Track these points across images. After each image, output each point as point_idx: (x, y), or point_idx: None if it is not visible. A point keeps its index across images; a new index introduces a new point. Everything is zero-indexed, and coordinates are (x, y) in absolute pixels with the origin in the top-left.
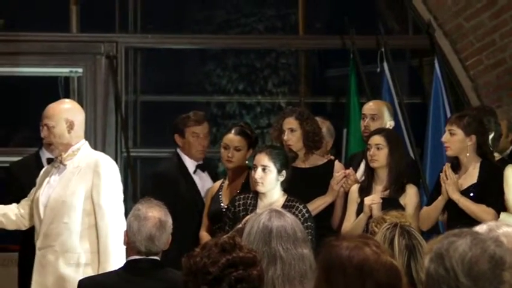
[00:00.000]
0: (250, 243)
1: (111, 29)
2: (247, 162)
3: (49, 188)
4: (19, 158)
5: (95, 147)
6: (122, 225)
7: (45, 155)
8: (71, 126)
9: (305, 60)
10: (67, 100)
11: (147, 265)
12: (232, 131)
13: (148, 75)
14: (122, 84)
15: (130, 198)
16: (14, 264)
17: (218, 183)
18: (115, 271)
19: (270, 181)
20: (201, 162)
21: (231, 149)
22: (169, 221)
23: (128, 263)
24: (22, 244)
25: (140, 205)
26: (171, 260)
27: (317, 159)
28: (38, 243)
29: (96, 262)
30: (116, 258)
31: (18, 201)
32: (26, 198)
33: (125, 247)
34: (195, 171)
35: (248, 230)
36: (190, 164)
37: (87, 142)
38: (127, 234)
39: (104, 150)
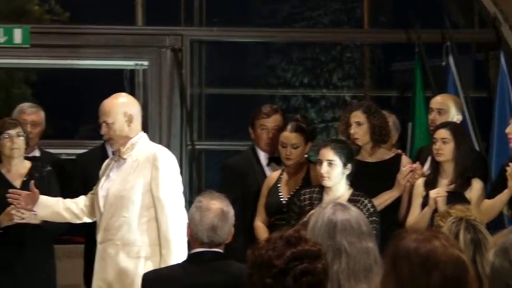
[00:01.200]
0: (315, 237)
1: (177, 22)
2: (306, 156)
3: (108, 182)
4: (85, 150)
5: (159, 140)
6: (182, 217)
7: (110, 148)
8: (130, 119)
9: (370, 54)
10: (122, 94)
11: (210, 257)
12: (288, 128)
13: (213, 68)
14: (187, 77)
15: (195, 191)
16: (79, 256)
17: (276, 174)
18: (179, 264)
19: (335, 175)
20: (276, 155)
21: (289, 147)
22: (231, 211)
23: (192, 256)
24: (87, 236)
25: (202, 197)
26: (239, 253)
27: (384, 154)
28: (99, 237)
29: (156, 255)
30: (177, 251)
31: (82, 194)
32: (92, 191)
33: (186, 239)
34: (268, 164)
35: (312, 224)
36: (263, 157)
37: (145, 134)
38: (189, 226)
39: (168, 143)
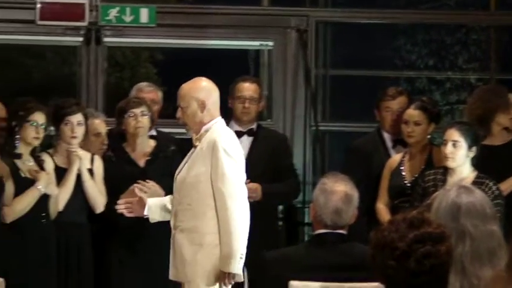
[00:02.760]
0: (438, 219)
1: (302, 3)
2: (428, 137)
3: (180, 170)
4: None
5: (283, 122)
6: (241, 209)
7: (233, 127)
8: (202, 106)
9: (496, 37)
10: (202, 78)
11: (333, 239)
12: (412, 106)
13: (337, 49)
14: (312, 58)
15: (319, 172)
16: None
17: (398, 156)
18: (301, 244)
19: (460, 156)
20: (401, 137)
21: (411, 124)
22: (355, 194)
23: (314, 237)
24: None
25: (326, 179)
26: (361, 234)
27: (510, 137)
28: (171, 223)
29: (218, 243)
30: (235, 243)
31: None
32: None
33: (246, 230)
34: (394, 146)
35: (436, 206)
36: (388, 139)
37: (221, 120)
38: (314, 207)
39: (293, 125)
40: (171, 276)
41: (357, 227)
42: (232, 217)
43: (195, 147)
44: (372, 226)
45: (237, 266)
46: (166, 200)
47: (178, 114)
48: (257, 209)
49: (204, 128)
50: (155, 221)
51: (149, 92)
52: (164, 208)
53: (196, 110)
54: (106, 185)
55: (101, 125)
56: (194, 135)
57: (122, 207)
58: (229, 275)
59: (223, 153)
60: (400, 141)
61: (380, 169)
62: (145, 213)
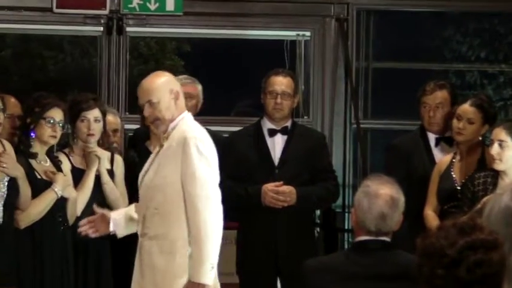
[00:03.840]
0: (491, 225)
1: None
2: (480, 138)
3: (145, 172)
4: (239, 128)
5: (322, 119)
6: (213, 213)
7: (266, 124)
8: (176, 97)
9: None
10: (163, 71)
11: (376, 246)
12: (468, 102)
13: (381, 39)
14: (353, 49)
15: (360, 173)
16: (231, 243)
17: (447, 158)
18: (342, 252)
19: (508, 158)
20: (447, 134)
21: (464, 121)
22: (401, 198)
23: (356, 244)
24: (241, 221)
25: (369, 181)
26: (403, 240)
27: None
28: (138, 230)
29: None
30: (208, 246)
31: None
32: None
33: (218, 237)
34: (437, 145)
35: (488, 211)
36: (431, 137)
37: (188, 115)
38: (355, 212)
39: (332, 121)
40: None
41: (397, 233)
42: (203, 222)
43: (161, 146)
44: (413, 232)
45: (207, 276)
46: (131, 209)
47: (147, 112)
48: (292, 214)
49: (172, 124)
50: (123, 235)
51: (186, 85)
52: (130, 219)
53: (169, 103)
54: (128, 186)
55: (114, 121)
56: (163, 134)
57: (84, 228)
58: (198, 285)
59: (194, 151)
60: (444, 139)
61: (421, 169)
62: (111, 229)
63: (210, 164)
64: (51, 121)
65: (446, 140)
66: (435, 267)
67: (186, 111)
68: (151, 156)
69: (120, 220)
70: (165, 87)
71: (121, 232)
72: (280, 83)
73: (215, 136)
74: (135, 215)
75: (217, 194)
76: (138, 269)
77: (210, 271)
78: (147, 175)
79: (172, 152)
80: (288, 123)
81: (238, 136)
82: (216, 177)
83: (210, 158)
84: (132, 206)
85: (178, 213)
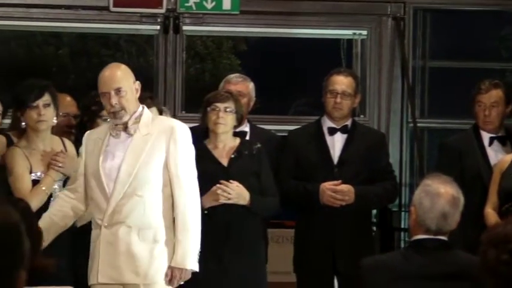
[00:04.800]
0: None
1: None
2: None
3: (112, 160)
4: (297, 127)
5: (378, 116)
6: (197, 197)
7: (326, 123)
8: (137, 89)
9: None
10: (118, 63)
11: (434, 245)
12: None
13: (438, 38)
14: (409, 48)
15: (417, 172)
16: (287, 242)
17: (509, 157)
18: (399, 251)
19: None
20: (500, 134)
21: None
22: (461, 198)
23: (414, 243)
24: (298, 220)
25: (429, 180)
26: (453, 240)
27: None
28: (104, 221)
29: (172, 238)
30: (194, 235)
31: (293, 172)
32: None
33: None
34: (490, 144)
35: None
36: (485, 136)
37: (144, 106)
38: (415, 211)
39: (388, 119)
40: (112, 280)
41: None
42: (191, 210)
43: (129, 135)
44: (467, 231)
45: (194, 262)
46: (49, 217)
47: (114, 100)
48: (350, 213)
49: (135, 115)
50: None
51: (237, 83)
52: (54, 225)
53: (134, 94)
54: None
55: None
56: (129, 123)
57: None
58: (186, 271)
59: (182, 139)
60: (498, 138)
61: (475, 168)
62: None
63: (193, 152)
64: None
65: (499, 139)
66: (500, 254)
67: (141, 104)
68: (105, 144)
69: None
70: (130, 79)
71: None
72: (341, 82)
73: (269, 135)
74: (62, 220)
75: (197, 184)
76: (109, 260)
77: (197, 257)
78: (125, 162)
79: (156, 141)
80: (348, 122)
81: (298, 134)
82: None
83: (192, 146)
84: (53, 212)
85: (162, 202)
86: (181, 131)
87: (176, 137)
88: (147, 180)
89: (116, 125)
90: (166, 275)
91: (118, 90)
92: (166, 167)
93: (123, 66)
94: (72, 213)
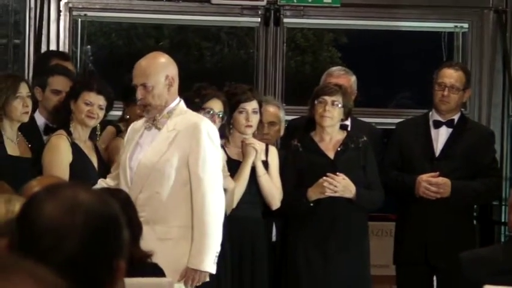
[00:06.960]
0: None
1: None
2: None
3: (139, 153)
4: (398, 120)
5: (479, 111)
6: (219, 199)
7: (433, 116)
8: (170, 83)
9: None
10: (161, 53)
11: None
12: None
13: None
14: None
15: None
16: (387, 235)
17: None
18: (499, 245)
19: None
20: None
21: None
22: None
23: None
24: (400, 214)
25: None
26: None
27: None
28: None
29: (187, 238)
30: (211, 236)
31: (398, 164)
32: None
33: (221, 223)
34: None
35: None
36: None
37: (182, 101)
38: None
39: (489, 113)
40: None
41: None
42: (210, 209)
43: (157, 129)
44: None
45: (211, 264)
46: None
47: (140, 94)
48: (446, 207)
49: (168, 109)
50: None
51: (338, 76)
52: None
53: (163, 90)
54: (292, 177)
55: (274, 113)
56: (157, 117)
57: None
58: (200, 273)
59: (206, 138)
60: None
61: None
62: None
63: (217, 152)
64: (210, 112)
65: None
66: None
67: (179, 98)
68: (139, 135)
69: None
70: (161, 73)
71: None
72: (450, 75)
73: (370, 128)
74: None
75: (221, 183)
76: None
77: (214, 259)
78: (145, 156)
79: (180, 138)
80: (455, 117)
81: (405, 125)
82: (220, 164)
83: (217, 147)
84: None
85: (180, 200)
86: (206, 130)
87: (200, 136)
88: (165, 177)
89: (149, 118)
90: (181, 275)
91: (144, 85)
92: (187, 165)
93: (158, 59)
94: None
